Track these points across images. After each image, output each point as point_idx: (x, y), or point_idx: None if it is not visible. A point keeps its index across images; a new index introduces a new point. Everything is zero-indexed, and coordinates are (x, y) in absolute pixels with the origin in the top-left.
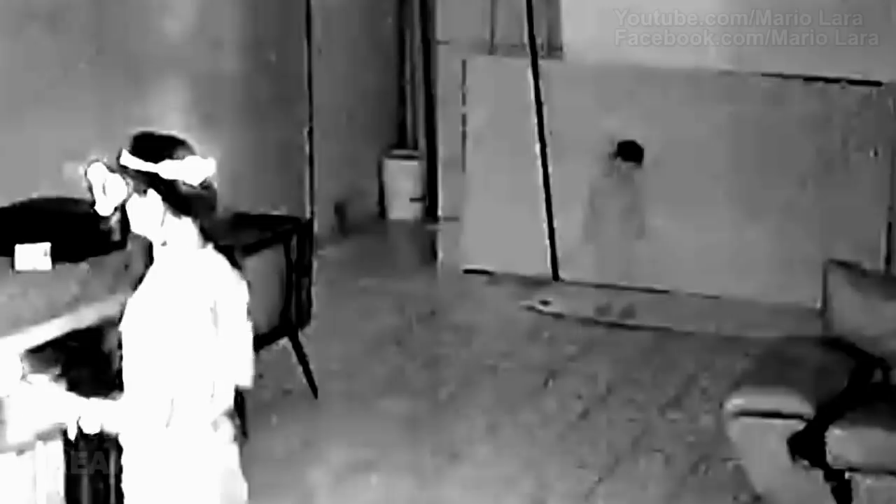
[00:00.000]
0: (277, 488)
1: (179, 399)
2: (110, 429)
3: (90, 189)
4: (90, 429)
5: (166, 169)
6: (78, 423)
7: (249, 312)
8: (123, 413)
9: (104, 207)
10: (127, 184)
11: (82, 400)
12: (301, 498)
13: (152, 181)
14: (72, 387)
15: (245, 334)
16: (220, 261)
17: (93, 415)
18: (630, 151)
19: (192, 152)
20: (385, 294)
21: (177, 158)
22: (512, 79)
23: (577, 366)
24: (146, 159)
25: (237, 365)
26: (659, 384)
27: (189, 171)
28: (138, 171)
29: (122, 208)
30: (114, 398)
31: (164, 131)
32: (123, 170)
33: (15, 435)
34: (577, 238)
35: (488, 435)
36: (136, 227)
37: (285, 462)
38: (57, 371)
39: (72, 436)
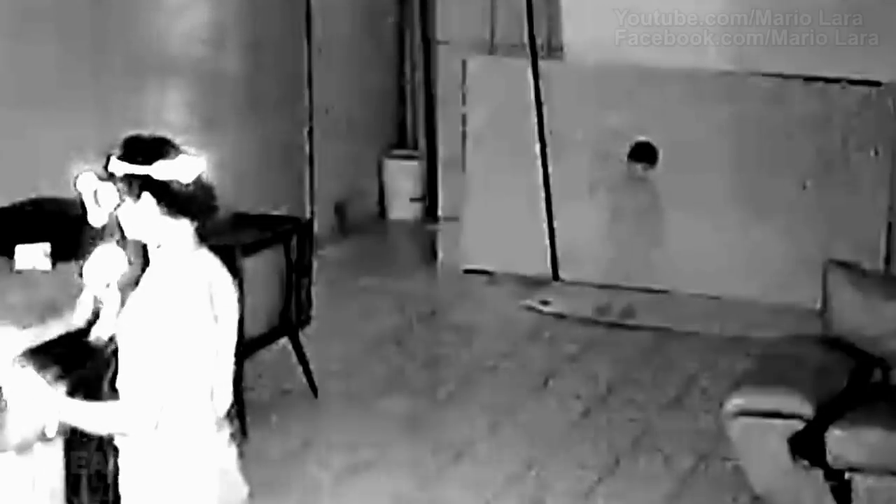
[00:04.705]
0: (277, 488)
1: (173, 402)
2: (95, 429)
3: (81, 200)
4: (71, 425)
5: (158, 170)
6: (60, 420)
7: (241, 321)
8: (110, 416)
9: (97, 217)
10: (119, 190)
11: (68, 399)
12: (301, 498)
13: (145, 184)
14: (72, 387)
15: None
16: (216, 263)
17: (76, 413)
18: (643, 153)
19: (180, 151)
20: (385, 294)
21: (167, 158)
22: (512, 79)
23: (577, 366)
24: (137, 162)
25: (233, 367)
26: (659, 384)
27: (181, 170)
28: (130, 176)
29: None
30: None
31: (150, 133)
32: (114, 176)
33: (15, 435)
34: (578, 238)
35: (488, 434)
36: (130, 233)
37: (285, 462)
38: (57, 371)
39: (50, 434)
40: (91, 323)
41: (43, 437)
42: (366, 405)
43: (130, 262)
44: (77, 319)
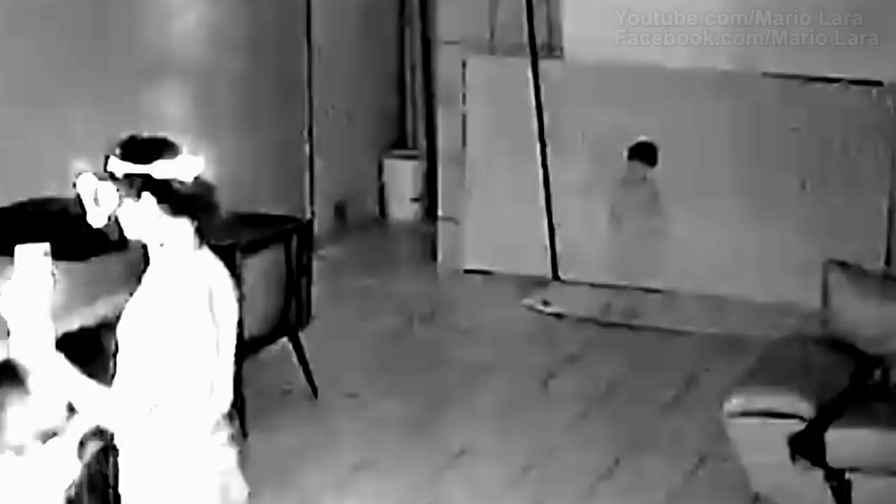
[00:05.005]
0: (277, 488)
1: (173, 401)
2: (88, 407)
3: (81, 201)
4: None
5: (158, 169)
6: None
7: (241, 321)
8: (105, 398)
9: (97, 218)
10: (119, 190)
11: (73, 368)
12: (301, 498)
13: (146, 183)
14: None
15: (232, 344)
16: (217, 263)
17: (76, 385)
18: (643, 152)
19: (180, 151)
20: (385, 294)
21: (167, 158)
22: (512, 79)
23: (577, 366)
24: (137, 162)
25: (233, 367)
26: (659, 384)
27: (181, 169)
28: (130, 175)
29: (114, 216)
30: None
31: (150, 133)
32: (113, 176)
33: (15, 435)
34: (578, 238)
35: (488, 435)
36: (130, 233)
37: (285, 462)
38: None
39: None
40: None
41: (46, 437)
42: (366, 405)
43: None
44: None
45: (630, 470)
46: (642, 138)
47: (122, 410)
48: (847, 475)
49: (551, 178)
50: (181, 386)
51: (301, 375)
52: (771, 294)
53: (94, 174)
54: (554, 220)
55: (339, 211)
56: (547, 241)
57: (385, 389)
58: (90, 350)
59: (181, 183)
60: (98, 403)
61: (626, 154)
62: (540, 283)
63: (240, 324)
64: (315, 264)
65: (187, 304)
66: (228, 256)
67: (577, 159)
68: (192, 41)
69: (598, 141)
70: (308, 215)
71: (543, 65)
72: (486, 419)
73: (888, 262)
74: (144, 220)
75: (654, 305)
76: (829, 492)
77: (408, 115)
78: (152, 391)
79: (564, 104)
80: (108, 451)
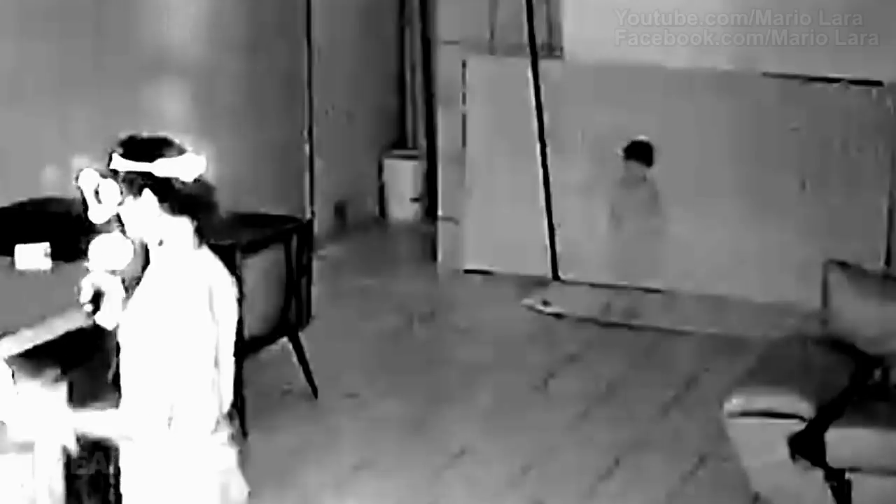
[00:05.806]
0: (277, 488)
1: (178, 402)
2: (106, 436)
3: (83, 197)
4: (84, 435)
5: (160, 167)
6: (75, 435)
7: (241, 321)
8: (120, 422)
9: (98, 215)
10: (120, 187)
11: (75, 412)
12: (301, 498)
13: (147, 181)
14: (71, 388)
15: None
16: (216, 263)
17: (87, 425)
18: (639, 152)
19: (182, 150)
20: (385, 294)
21: (169, 157)
22: (512, 79)
23: (577, 366)
24: (139, 159)
25: (233, 367)
26: (659, 384)
27: (183, 168)
28: (132, 173)
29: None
30: (110, 404)
31: (151, 132)
32: (115, 174)
33: (15, 435)
34: (578, 238)
35: (488, 435)
36: (131, 230)
37: (285, 462)
38: (57, 371)
39: (73, 450)
40: (94, 308)
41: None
42: (366, 405)
43: (136, 253)
44: (82, 299)
45: (630, 470)
46: (638, 138)
47: (142, 425)
48: (847, 475)
49: (551, 178)
50: (183, 386)
51: (301, 375)
52: (771, 294)
53: (97, 170)
54: (554, 220)
55: (339, 211)
56: (547, 241)
57: (385, 389)
58: (90, 350)
59: (182, 182)
60: (117, 426)
61: (621, 154)
62: (540, 283)
63: (240, 324)
64: (315, 264)
65: (187, 304)
66: (228, 256)
67: (576, 159)
68: (191, 41)
69: (597, 141)
70: (308, 215)
71: (543, 65)
72: (487, 419)
73: (888, 262)
74: (144, 217)
75: (654, 305)
76: (829, 492)
77: (408, 115)
78: (165, 399)
79: (564, 104)
80: (109, 451)
